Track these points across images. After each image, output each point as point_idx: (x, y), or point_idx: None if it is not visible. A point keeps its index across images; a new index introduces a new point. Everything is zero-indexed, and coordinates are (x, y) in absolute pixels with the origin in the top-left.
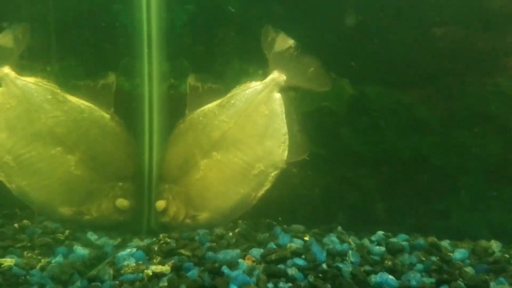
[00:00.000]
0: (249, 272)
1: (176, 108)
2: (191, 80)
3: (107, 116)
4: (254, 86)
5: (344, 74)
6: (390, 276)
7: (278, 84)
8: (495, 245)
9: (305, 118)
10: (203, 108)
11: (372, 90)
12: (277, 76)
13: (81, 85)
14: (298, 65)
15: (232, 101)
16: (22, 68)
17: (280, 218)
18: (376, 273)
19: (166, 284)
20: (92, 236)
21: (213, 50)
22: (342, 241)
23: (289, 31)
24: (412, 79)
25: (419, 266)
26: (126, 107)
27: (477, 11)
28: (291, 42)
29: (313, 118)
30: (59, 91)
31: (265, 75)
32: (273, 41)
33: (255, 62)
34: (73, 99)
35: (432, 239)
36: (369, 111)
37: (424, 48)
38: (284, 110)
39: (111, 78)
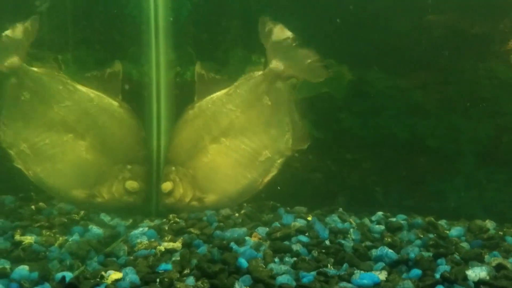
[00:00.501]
0: (256, 247)
1: (182, 94)
2: (198, 68)
3: (116, 103)
4: (256, 76)
5: (343, 61)
6: (390, 250)
7: (277, 74)
8: (489, 224)
9: (305, 103)
10: (211, 95)
11: (370, 76)
12: (275, 66)
13: (90, 75)
14: (296, 56)
15: (238, 91)
16: (34, 58)
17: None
18: (376, 247)
19: (178, 258)
20: (105, 217)
21: (217, 38)
22: (344, 221)
23: (289, 19)
24: (408, 64)
25: (417, 242)
26: (135, 94)
27: None
28: (288, 33)
29: (313, 103)
30: (69, 81)
31: (266, 63)
32: (270, 31)
33: (258, 50)
34: (83, 89)
35: (429, 218)
36: (367, 96)
37: (419, 34)
38: (286, 100)
39: (118, 66)
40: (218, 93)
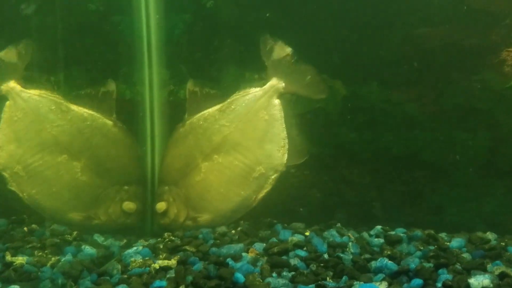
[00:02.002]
0: (253, 263)
1: (176, 113)
2: (190, 85)
3: (110, 122)
4: (254, 92)
5: (336, 76)
6: (390, 261)
7: (277, 90)
8: (490, 236)
9: (300, 119)
10: (203, 112)
11: (364, 90)
12: (276, 82)
13: (83, 94)
14: (296, 72)
15: (232, 106)
16: (28, 79)
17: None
18: (376, 260)
19: (173, 275)
20: (98, 238)
21: (210, 56)
22: (342, 235)
23: (282, 36)
24: (401, 78)
25: (418, 253)
26: (128, 114)
27: (462, 10)
28: (288, 50)
29: (308, 119)
30: (62, 101)
31: (260, 79)
32: (271, 49)
33: (251, 68)
34: (76, 108)
35: (429, 231)
36: (361, 110)
37: (412, 47)
38: (283, 115)
39: (112, 86)
40: (210, 110)
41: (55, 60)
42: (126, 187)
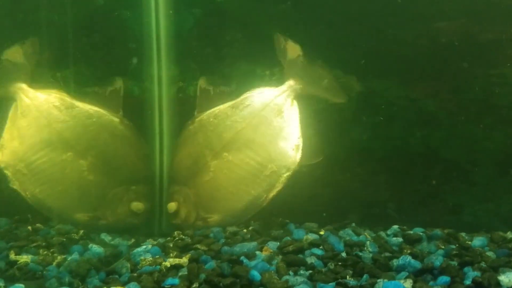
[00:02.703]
0: (268, 261)
1: (185, 110)
2: (202, 82)
3: (117, 120)
4: (271, 90)
5: (350, 71)
6: (413, 259)
7: (295, 91)
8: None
9: (314, 116)
10: (213, 109)
11: (379, 86)
12: (293, 83)
13: (90, 91)
14: (313, 75)
15: (246, 103)
16: (35, 76)
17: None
18: (397, 258)
19: (185, 273)
20: (106, 237)
21: (220, 52)
22: (358, 234)
23: (294, 30)
24: (418, 73)
25: (440, 251)
26: (137, 111)
27: (479, 3)
28: (299, 50)
29: (322, 115)
30: (67, 97)
31: (271, 76)
32: (285, 49)
33: (262, 64)
34: (81, 105)
35: (448, 230)
36: (377, 107)
37: (429, 42)
38: (298, 116)
39: (119, 83)
40: (221, 107)
41: (63, 56)
42: (134, 187)
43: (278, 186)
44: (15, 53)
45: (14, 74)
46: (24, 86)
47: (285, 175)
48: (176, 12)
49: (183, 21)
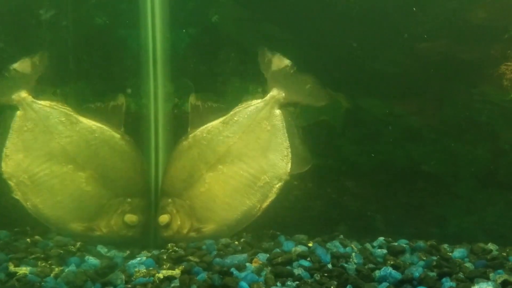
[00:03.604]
0: (257, 272)
1: (180, 126)
2: (192, 99)
3: (117, 135)
4: (255, 103)
5: (339, 89)
6: (394, 270)
7: (278, 101)
8: (492, 247)
9: (304, 132)
10: (206, 125)
11: (366, 103)
12: (276, 93)
13: (93, 107)
14: (295, 82)
15: (235, 118)
16: (38, 91)
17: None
18: (379, 269)
19: (178, 284)
20: (102, 249)
21: (214, 70)
22: (345, 246)
23: (285, 50)
24: (403, 91)
25: (421, 263)
26: (133, 126)
27: (461, 25)
28: (287, 61)
29: (312, 131)
30: (72, 113)
31: (264, 92)
32: (269, 61)
33: (254, 81)
34: (85, 120)
35: (431, 242)
36: (364, 123)
37: (413, 62)
38: (285, 125)
39: (121, 99)
40: (213, 123)
41: (65, 72)
42: (129, 199)
43: (271, 196)
44: (24, 64)
45: (20, 84)
46: (29, 97)
47: (277, 186)
48: (172, 31)
49: (179, 40)
